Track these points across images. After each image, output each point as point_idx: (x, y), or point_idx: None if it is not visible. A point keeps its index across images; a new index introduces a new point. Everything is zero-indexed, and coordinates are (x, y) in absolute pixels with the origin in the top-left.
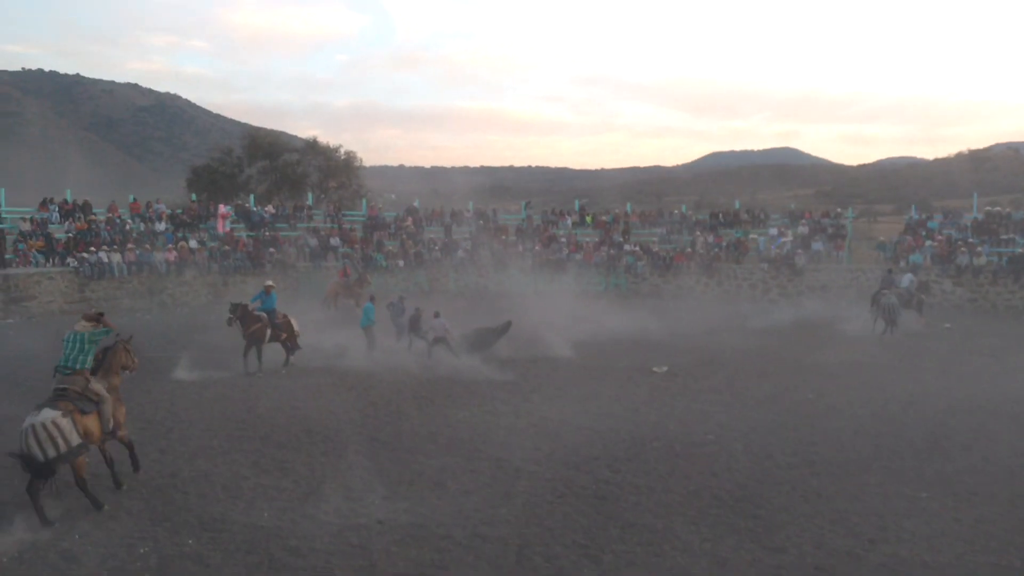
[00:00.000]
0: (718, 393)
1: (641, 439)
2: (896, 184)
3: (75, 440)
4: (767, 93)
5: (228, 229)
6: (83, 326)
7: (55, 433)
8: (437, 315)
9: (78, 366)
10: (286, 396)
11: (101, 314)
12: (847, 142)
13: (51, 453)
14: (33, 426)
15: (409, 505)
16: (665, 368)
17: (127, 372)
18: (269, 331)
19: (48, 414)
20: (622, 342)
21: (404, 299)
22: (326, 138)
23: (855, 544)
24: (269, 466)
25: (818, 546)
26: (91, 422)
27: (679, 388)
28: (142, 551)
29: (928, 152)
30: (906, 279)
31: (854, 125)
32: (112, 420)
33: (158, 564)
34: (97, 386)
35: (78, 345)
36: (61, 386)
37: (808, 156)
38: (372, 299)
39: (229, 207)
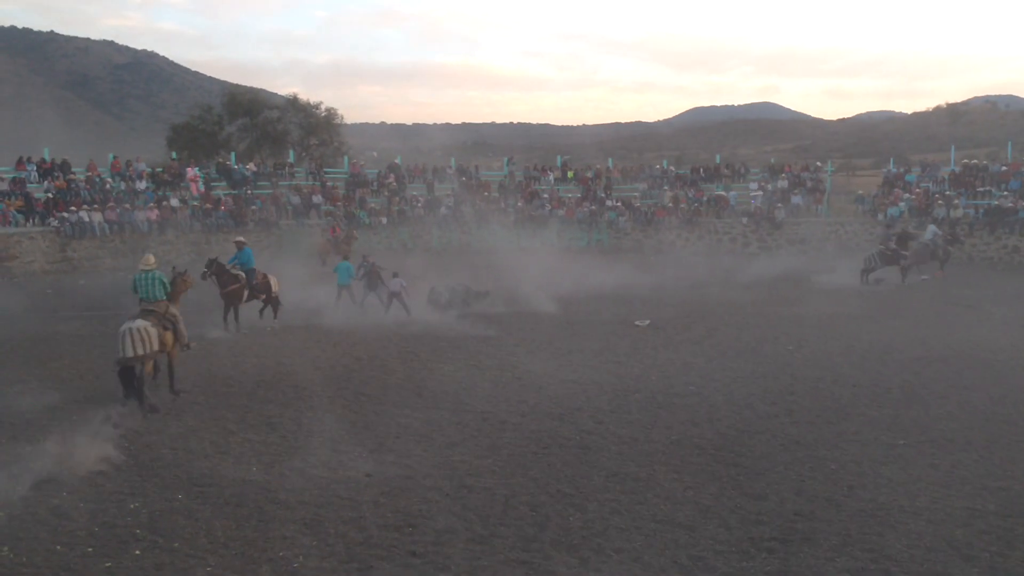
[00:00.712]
0: (699, 345)
1: (624, 391)
2: (875, 138)
3: (155, 346)
4: (748, 48)
5: (203, 190)
6: (148, 265)
7: (144, 336)
8: (396, 275)
9: (155, 297)
10: (271, 353)
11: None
12: (827, 96)
13: (140, 351)
14: (130, 329)
15: (396, 458)
16: (647, 321)
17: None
18: (247, 292)
19: (140, 322)
20: (605, 297)
21: (368, 258)
22: (306, 95)
23: (834, 490)
24: (256, 422)
25: (798, 493)
26: (168, 336)
27: (661, 341)
28: (132, 506)
29: (907, 106)
30: (929, 231)
31: (834, 79)
32: (184, 335)
33: (148, 519)
34: (174, 310)
35: (152, 282)
36: (148, 308)
37: (788, 111)
38: (346, 258)
39: (196, 169)
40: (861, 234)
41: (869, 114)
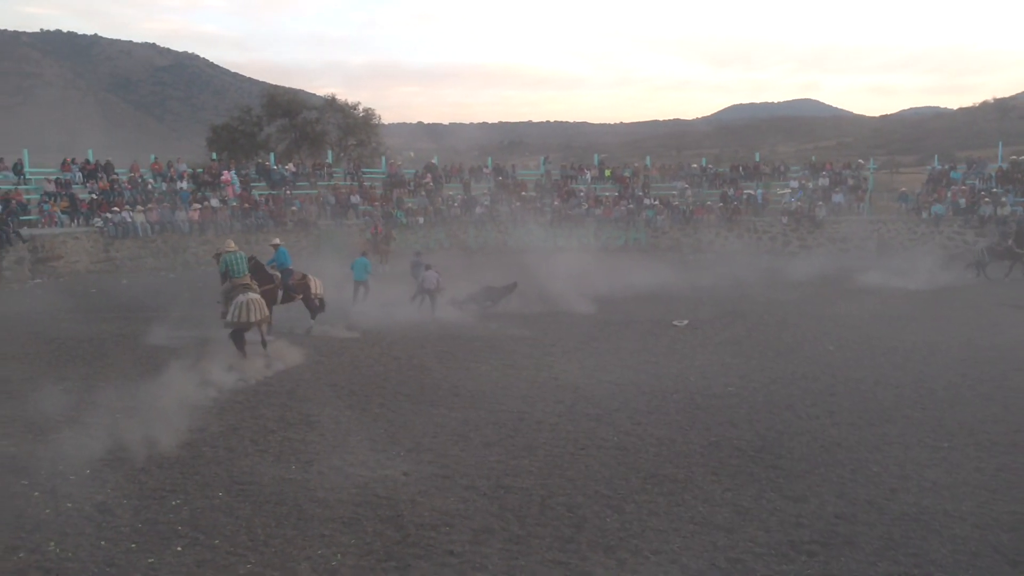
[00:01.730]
0: (738, 345)
1: (662, 391)
2: (920, 135)
3: (266, 312)
4: (788, 44)
5: (238, 192)
6: (232, 248)
7: (258, 305)
8: (429, 267)
9: (243, 272)
10: (310, 352)
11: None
12: (869, 92)
13: (255, 317)
14: (248, 300)
15: (433, 457)
16: (686, 321)
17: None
18: (281, 292)
19: (253, 295)
20: (642, 296)
21: (421, 254)
22: (344, 96)
23: (876, 493)
24: (295, 420)
25: (839, 495)
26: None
27: (700, 341)
28: (174, 503)
29: (953, 101)
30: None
31: (877, 75)
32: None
33: (190, 516)
34: (254, 284)
35: (240, 261)
36: (242, 283)
37: (829, 107)
38: (364, 254)
39: (233, 172)
40: (904, 233)
41: (913, 110)
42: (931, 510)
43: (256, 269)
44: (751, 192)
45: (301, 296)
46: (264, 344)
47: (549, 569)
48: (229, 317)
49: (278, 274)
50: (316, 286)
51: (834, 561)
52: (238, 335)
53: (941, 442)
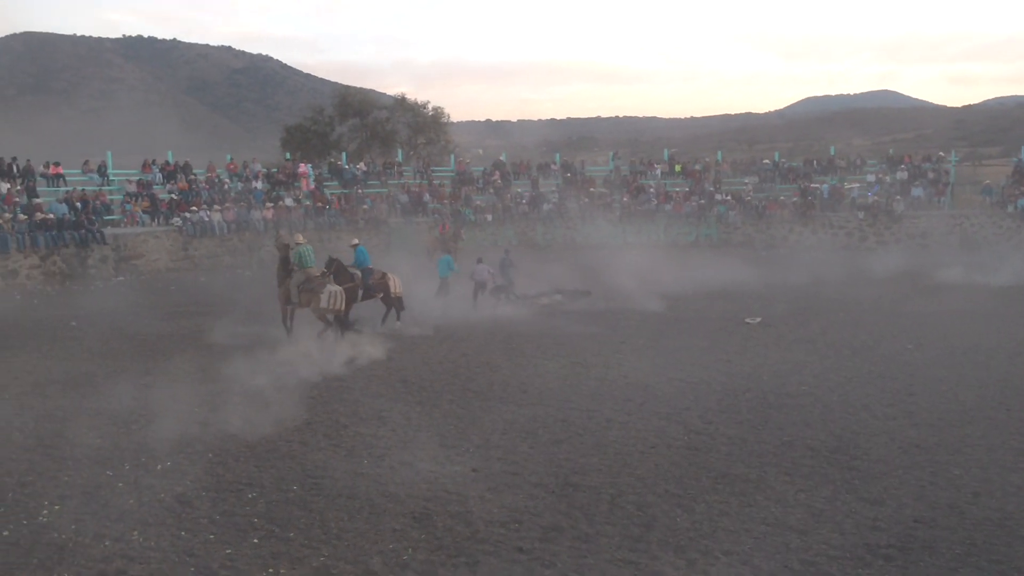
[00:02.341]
0: (813, 343)
1: (734, 390)
2: (1004, 125)
3: (343, 305)
4: (864, 34)
5: (313, 186)
6: (302, 241)
7: (342, 296)
8: (480, 260)
9: (312, 264)
10: (381, 348)
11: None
12: (950, 82)
13: (338, 305)
14: (337, 290)
15: (502, 454)
16: (758, 319)
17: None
18: (361, 291)
19: (335, 287)
20: (713, 293)
21: (510, 252)
22: (414, 95)
23: (957, 497)
24: (367, 415)
25: (918, 498)
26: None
27: (773, 339)
28: (250, 496)
29: None
30: None
31: (958, 64)
32: None
33: (265, 508)
34: (329, 276)
35: (311, 253)
36: (316, 275)
37: (908, 98)
38: (451, 252)
39: (309, 166)
40: (988, 227)
41: (997, 100)
42: (1016, 515)
43: (339, 270)
44: (821, 186)
45: (381, 295)
46: (336, 336)
47: (618, 568)
48: (324, 304)
49: (358, 273)
50: (395, 284)
51: (912, 566)
52: (340, 320)
53: None
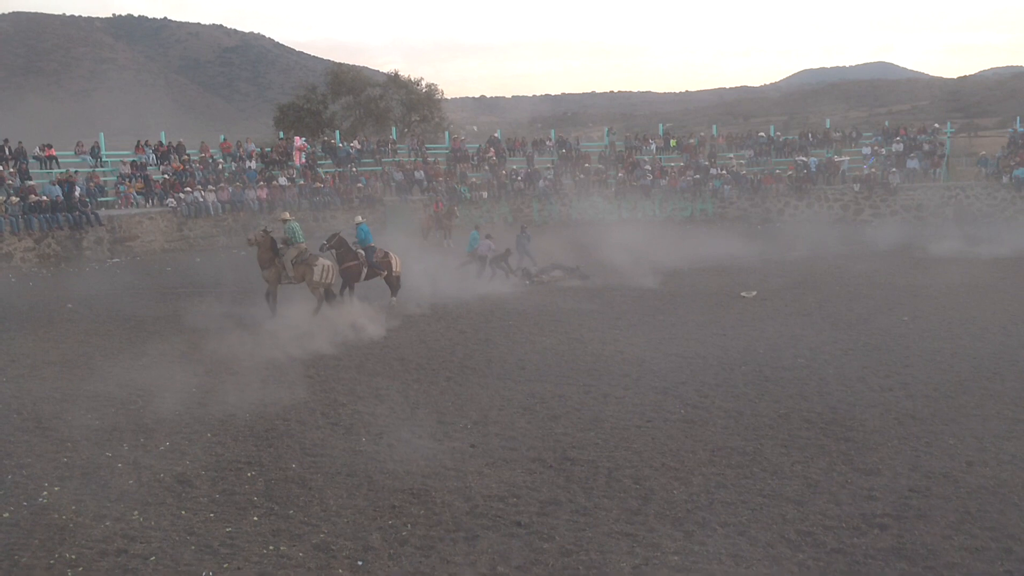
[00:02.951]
0: (808, 316)
1: (729, 364)
2: (1001, 96)
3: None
4: (859, 5)
5: (304, 160)
6: (289, 217)
7: (333, 271)
8: (488, 236)
9: (302, 240)
10: (378, 327)
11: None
12: (947, 53)
13: (328, 279)
14: (329, 264)
15: (499, 429)
16: (754, 293)
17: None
18: (365, 270)
19: (327, 261)
20: (709, 268)
21: (526, 229)
22: (407, 72)
23: (952, 466)
24: (365, 394)
25: (913, 468)
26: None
27: (768, 312)
28: (249, 475)
29: None
30: None
31: (955, 34)
32: None
33: (265, 487)
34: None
35: (299, 230)
36: (307, 251)
37: (904, 70)
38: (477, 228)
39: (304, 139)
40: (983, 199)
41: (994, 70)
42: (1009, 483)
43: (339, 245)
44: (809, 159)
45: (384, 274)
46: (329, 310)
47: (616, 541)
48: (317, 277)
49: (362, 252)
50: (396, 264)
51: (907, 534)
52: (330, 294)
53: (1020, 414)
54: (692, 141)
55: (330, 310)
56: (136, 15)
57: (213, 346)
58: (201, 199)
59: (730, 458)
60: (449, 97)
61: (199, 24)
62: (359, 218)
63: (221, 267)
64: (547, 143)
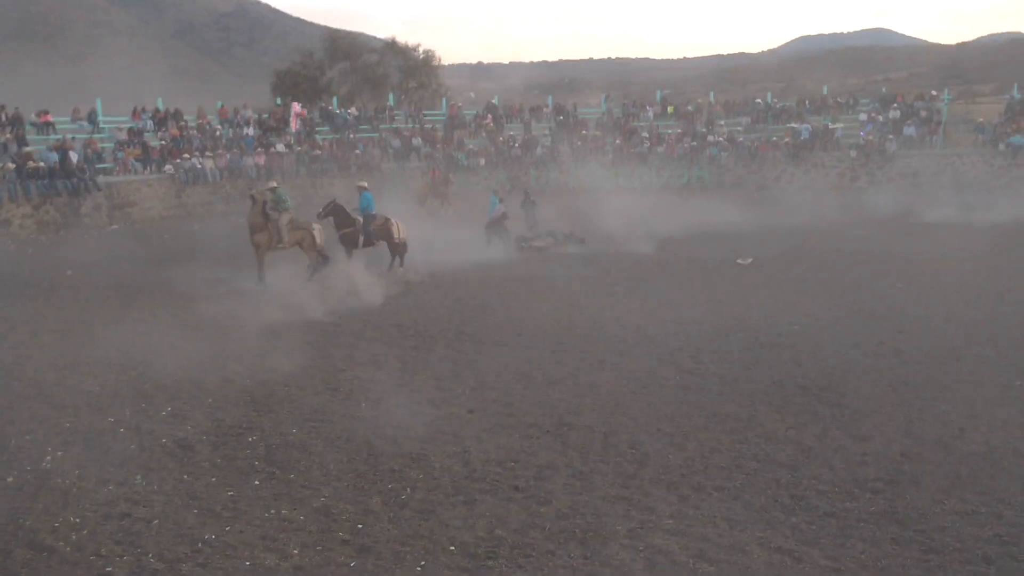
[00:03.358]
0: (804, 283)
1: (724, 330)
2: (998, 62)
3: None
4: None
5: (300, 127)
6: (275, 184)
7: (322, 233)
8: (501, 200)
9: (290, 207)
10: (376, 294)
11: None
12: (945, 18)
13: (322, 242)
14: (319, 229)
15: (497, 395)
16: (750, 260)
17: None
18: (361, 238)
19: (319, 225)
20: (706, 235)
21: (530, 193)
22: (404, 38)
23: (944, 432)
24: (363, 360)
25: (906, 434)
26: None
27: (764, 279)
28: (250, 439)
29: None
30: None
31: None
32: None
33: (265, 452)
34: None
35: (287, 197)
36: (296, 218)
37: (902, 36)
38: (495, 192)
39: (303, 105)
40: (979, 166)
41: (991, 36)
42: (1000, 448)
43: (337, 211)
44: (800, 126)
45: (383, 242)
46: (310, 277)
47: (612, 504)
48: (320, 240)
49: (359, 218)
50: (399, 230)
51: (899, 499)
52: (324, 258)
53: (1013, 380)
54: (689, 108)
55: (329, 276)
56: None
57: (212, 312)
58: (199, 166)
59: (724, 424)
60: (446, 63)
61: None
62: (364, 183)
63: (219, 234)
64: (544, 110)
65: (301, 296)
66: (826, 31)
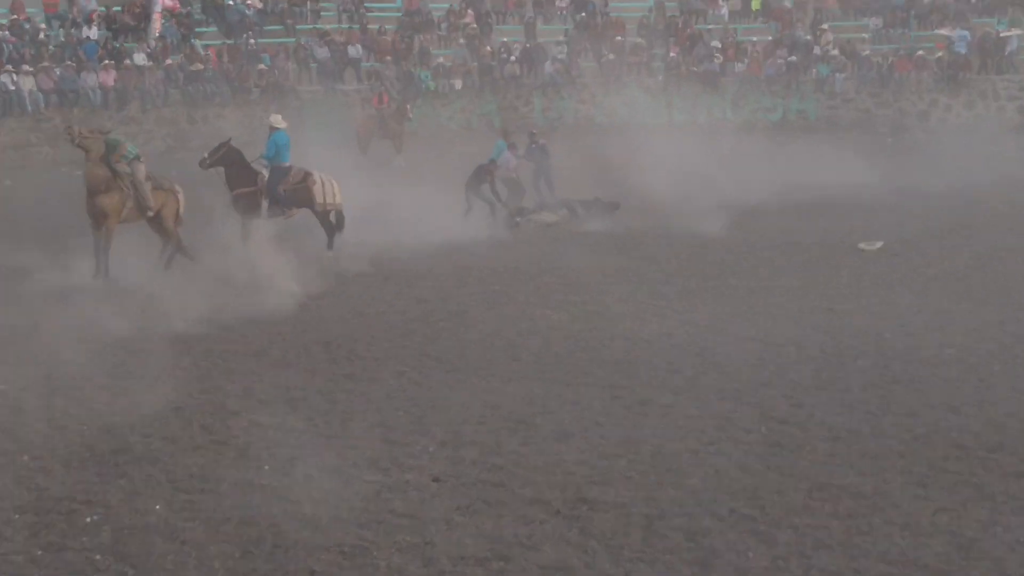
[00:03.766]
0: (962, 282)
1: (838, 355)
2: None
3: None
4: None
5: (161, 27)
6: (109, 130)
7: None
8: (513, 145)
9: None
10: (289, 292)
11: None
12: None
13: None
14: (179, 191)
15: (479, 453)
16: (879, 244)
17: None
18: (266, 202)
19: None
20: (809, 204)
21: (536, 135)
22: None
23: None
24: (269, 396)
25: None
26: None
27: (900, 274)
28: (89, 520)
29: None
30: None
31: None
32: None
33: (112, 540)
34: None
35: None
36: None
37: None
38: (504, 135)
39: None
40: None
41: None
42: None
43: (229, 159)
44: (953, 32)
45: (295, 212)
46: (167, 264)
47: None
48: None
49: (264, 172)
50: (326, 191)
51: None
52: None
53: None
54: (786, 2)
55: (207, 264)
56: None
57: (25, 322)
58: (12, 87)
59: (837, 503)
60: None
61: None
62: (280, 120)
63: (43, 194)
64: (557, 3)
65: (170, 296)
66: None
